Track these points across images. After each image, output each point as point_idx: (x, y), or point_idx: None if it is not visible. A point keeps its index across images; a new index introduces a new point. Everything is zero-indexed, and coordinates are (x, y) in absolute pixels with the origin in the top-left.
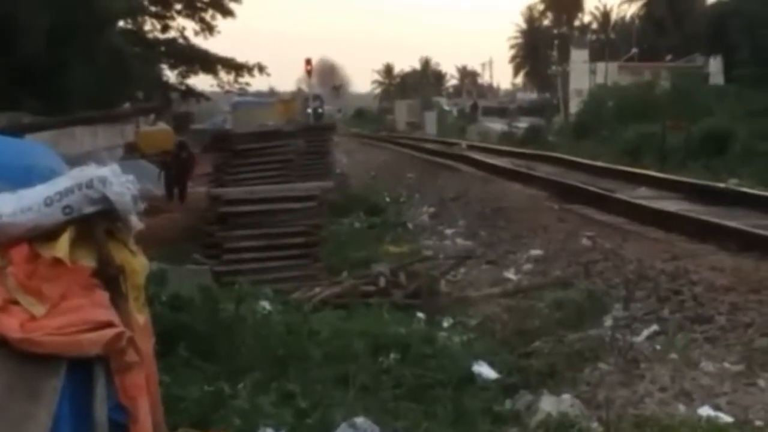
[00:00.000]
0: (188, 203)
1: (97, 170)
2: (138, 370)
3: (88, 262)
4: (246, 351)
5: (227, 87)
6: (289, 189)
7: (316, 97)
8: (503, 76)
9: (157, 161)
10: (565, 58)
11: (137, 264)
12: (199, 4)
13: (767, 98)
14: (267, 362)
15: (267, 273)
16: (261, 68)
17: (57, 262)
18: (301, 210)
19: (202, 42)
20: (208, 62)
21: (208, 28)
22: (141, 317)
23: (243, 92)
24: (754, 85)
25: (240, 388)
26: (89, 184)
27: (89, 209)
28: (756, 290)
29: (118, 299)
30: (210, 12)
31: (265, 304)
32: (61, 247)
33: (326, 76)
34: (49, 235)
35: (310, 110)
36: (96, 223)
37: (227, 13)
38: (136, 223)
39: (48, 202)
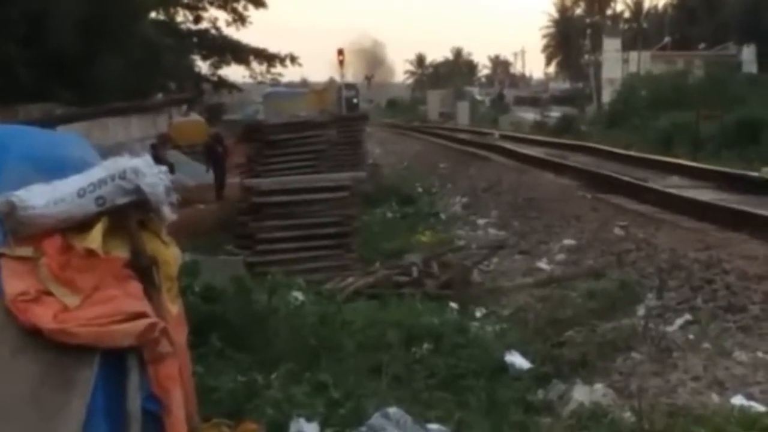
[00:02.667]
0: (225, 194)
1: (131, 161)
2: (171, 360)
3: (121, 253)
4: (279, 341)
5: (259, 78)
6: (321, 179)
7: (351, 87)
8: (536, 66)
9: (201, 154)
10: (597, 47)
11: (170, 255)
12: None
13: None
14: (300, 353)
15: (300, 263)
16: (293, 59)
17: (90, 253)
18: (333, 200)
19: (234, 33)
20: (240, 53)
21: (240, 19)
22: (174, 308)
23: (275, 83)
24: None
25: (273, 379)
26: (122, 175)
27: (122, 200)
28: None
29: (151, 290)
30: (242, 2)
31: (298, 295)
32: (94, 238)
33: (368, 60)
34: (82, 226)
35: (343, 100)
36: (129, 214)
37: (259, 3)
38: (169, 214)
39: (81, 193)
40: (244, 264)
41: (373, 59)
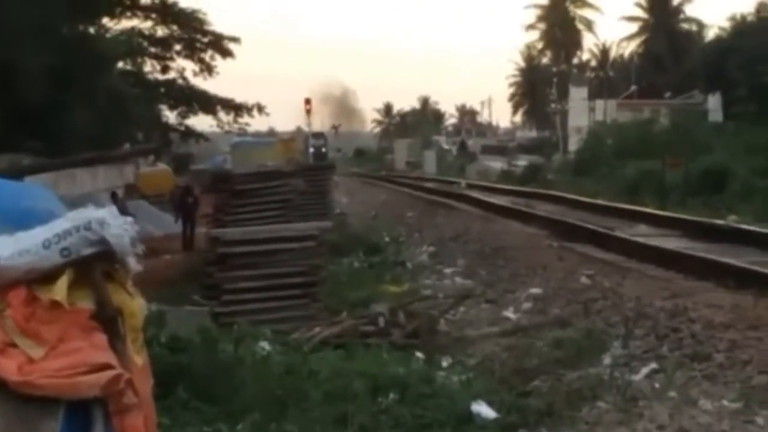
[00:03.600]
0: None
1: (95, 212)
2: (136, 412)
3: (86, 304)
4: (245, 392)
5: (227, 127)
6: (287, 229)
7: (319, 136)
8: (502, 115)
9: (168, 204)
10: (563, 95)
11: (135, 306)
12: (198, 45)
13: (766, 135)
14: (266, 403)
15: (266, 313)
16: (260, 108)
17: (55, 304)
18: (300, 250)
19: (201, 83)
20: (208, 103)
21: (208, 69)
22: (139, 359)
23: (242, 132)
24: (753, 122)
25: (239, 430)
26: (87, 226)
27: (87, 251)
28: (754, 327)
29: (116, 341)
30: (209, 53)
31: (265, 345)
32: (59, 290)
33: (338, 107)
34: (47, 277)
35: (311, 149)
36: (94, 266)
37: (227, 54)
38: (135, 265)
39: (46, 245)
40: (210, 314)
41: (343, 107)
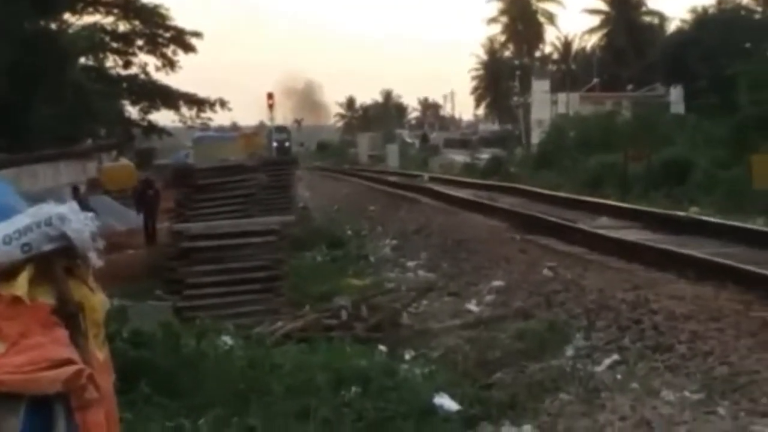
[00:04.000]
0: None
1: (56, 207)
2: (98, 407)
3: (47, 299)
4: (207, 386)
5: (189, 122)
6: (250, 224)
7: (282, 130)
8: (465, 108)
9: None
10: (526, 88)
11: (96, 301)
12: (160, 40)
13: (727, 127)
14: (228, 397)
15: (229, 308)
16: (222, 103)
17: (16, 300)
18: (262, 244)
19: (163, 78)
20: (170, 98)
21: (170, 64)
22: (101, 354)
23: (205, 127)
24: (714, 114)
25: (201, 424)
26: (48, 222)
27: (48, 247)
28: (716, 318)
29: (77, 337)
30: (171, 47)
31: (227, 339)
32: (20, 285)
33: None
34: (8, 273)
35: (275, 144)
36: (55, 261)
37: (189, 48)
38: (96, 260)
39: (6, 240)
40: (173, 309)
41: (307, 100)
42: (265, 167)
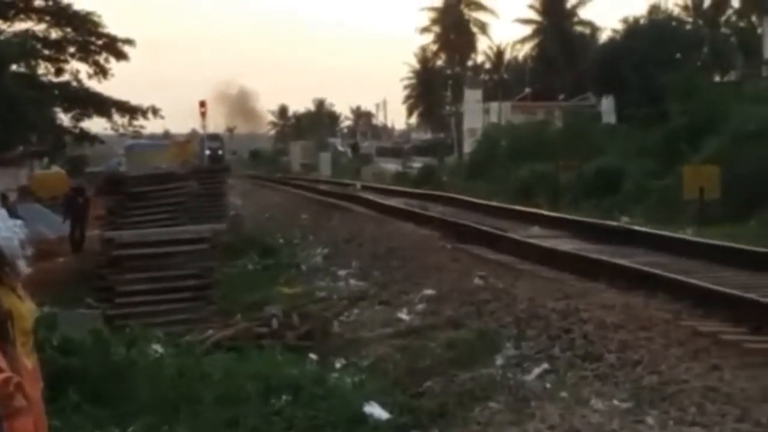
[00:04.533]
0: (84, 247)
1: None
2: (26, 415)
3: None
4: (137, 395)
5: (121, 130)
6: (180, 232)
7: (215, 138)
8: (398, 117)
9: (59, 206)
10: (458, 98)
11: (25, 309)
12: (92, 47)
13: (657, 137)
14: (158, 406)
15: (159, 316)
16: (155, 111)
17: None
18: (193, 252)
19: (96, 85)
20: (102, 105)
21: (102, 72)
22: (29, 362)
23: (137, 135)
24: (645, 124)
25: None
26: None
27: None
28: (645, 328)
29: (5, 345)
30: (104, 55)
31: (157, 348)
32: None
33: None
34: None
35: (208, 152)
36: None
37: (121, 56)
38: (24, 267)
39: None
40: (103, 317)
41: (241, 108)
42: (197, 175)
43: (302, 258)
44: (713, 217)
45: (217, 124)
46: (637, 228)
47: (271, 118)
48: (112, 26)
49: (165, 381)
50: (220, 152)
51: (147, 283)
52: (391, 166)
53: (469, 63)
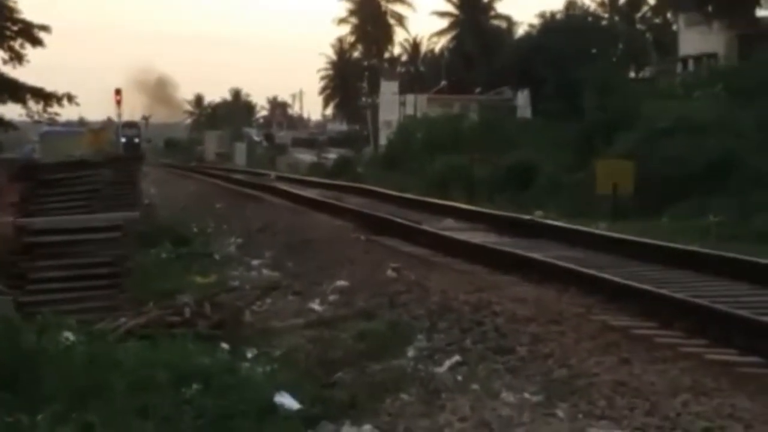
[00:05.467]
0: None
1: None
2: None
3: None
4: (47, 382)
5: (36, 117)
6: (93, 219)
7: (132, 126)
8: (314, 108)
9: None
10: (375, 89)
11: None
12: (8, 33)
13: (572, 132)
14: (68, 393)
15: (72, 303)
16: (70, 98)
17: None
18: (105, 240)
19: (11, 71)
20: (17, 91)
21: (17, 57)
22: None
23: (52, 122)
24: (560, 119)
25: (39, 420)
26: None
27: None
28: (557, 321)
29: None
30: (19, 41)
31: (69, 335)
32: None
33: (153, 96)
34: None
35: (123, 140)
36: None
37: (36, 42)
38: None
39: None
40: (14, 304)
41: (159, 96)
42: (111, 163)
43: (216, 247)
44: (626, 212)
45: (133, 112)
46: (550, 222)
47: (187, 107)
48: (28, 12)
49: (76, 369)
50: (136, 140)
51: (59, 270)
52: (307, 156)
53: (386, 55)
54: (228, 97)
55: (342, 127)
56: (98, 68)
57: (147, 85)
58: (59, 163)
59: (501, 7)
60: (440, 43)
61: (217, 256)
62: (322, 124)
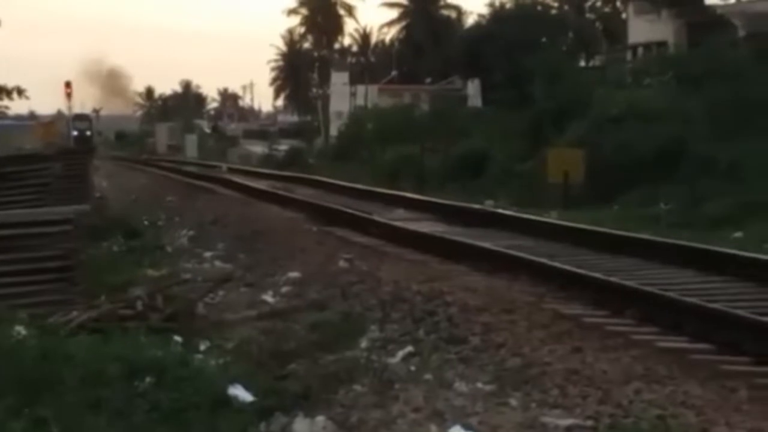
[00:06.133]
0: None
1: None
2: None
3: None
4: None
5: None
6: (44, 213)
7: (84, 118)
8: (265, 99)
9: None
10: (325, 80)
11: None
12: None
13: (522, 120)
14: (20, 387)
15: (23, 297)
16: (20, 91)
17: None
18: (56, 234)
19: None
20: None
21: None
22: None
23: (2, 115)
24: (510, 108)
25: None
26: None
27: None
28: (509, 310)
29: None
30: None
31: (20, 329)
32: None
33: (106, 87)
34: None
35: (75, 133)
36: None
37: None
38: None
39: None
40: None
41: (111, 88)
42: (61, 156)
43: (167, 240)
44: (577, 200)
45: (84, 104)
46: (501, 211)
47: (137, 99)
48: None
49: (27, 362)
50: (88, 133)
51: (10, 265)
52: (258, 148)
53: (336, 46)
54: (179, 89)
55: (293, 118)
56: (48, 60)
57: (99, 77)
58: (9, 157)
59: None
60: (390, 34)
61: (169, 249)
62: (273, 116)
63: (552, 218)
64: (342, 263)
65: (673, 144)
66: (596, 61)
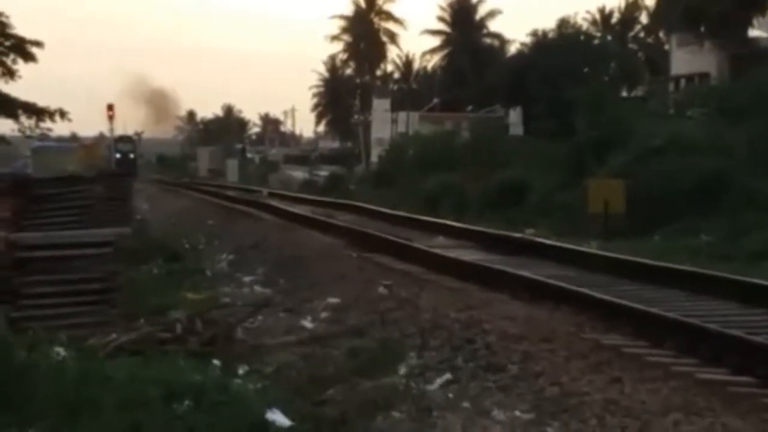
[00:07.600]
0: None
1: None
2: None
3: None
4: (38, 398)
5: (28, 132)
6: (85, 235)
7: (127, 140)
8: (306, 124)
9: None
10: (367, 107)
11: None
12: (0, 49)
13: (564, 150)
14: (59, 409)
15: (63, 319)
16: (63, 113)
17: None
18: (97, 256)
19: (3, 86)
20: (9, 106)
21: (9, 73)
22: None
23: (44, 137)
24: (552, 137)
25: None
26: None
27: None
28: (547, 339)
29: None
30: (12, 56)
31: (60, 351)
32: None
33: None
34: None
35: (118, 155)
36: None
37: (29, 57)
38: None
39: None
40: (5, 319)
41: (161, 105)
42: (103, 179)
43: (207, 263)
44: (618, 231)
45: (126, 126)
46: (541, 240)
47: (178, 122)
48: (20, 27)
49: (67, 384)
50: (131, 155)
51: (51, 286)
52: (299, 173)
53: (378, 72)
54: (220, 113)
55: (334, 144)
56: (90, 82)
57: (143, 97)
58: (51, 179)
59: (493, 25)
60: (433, 61)
61: (208, 273)
62: (314, 141)
63: (592, 248)
64: (381, 290)
65: (715, 176)
66: (638, 92)
